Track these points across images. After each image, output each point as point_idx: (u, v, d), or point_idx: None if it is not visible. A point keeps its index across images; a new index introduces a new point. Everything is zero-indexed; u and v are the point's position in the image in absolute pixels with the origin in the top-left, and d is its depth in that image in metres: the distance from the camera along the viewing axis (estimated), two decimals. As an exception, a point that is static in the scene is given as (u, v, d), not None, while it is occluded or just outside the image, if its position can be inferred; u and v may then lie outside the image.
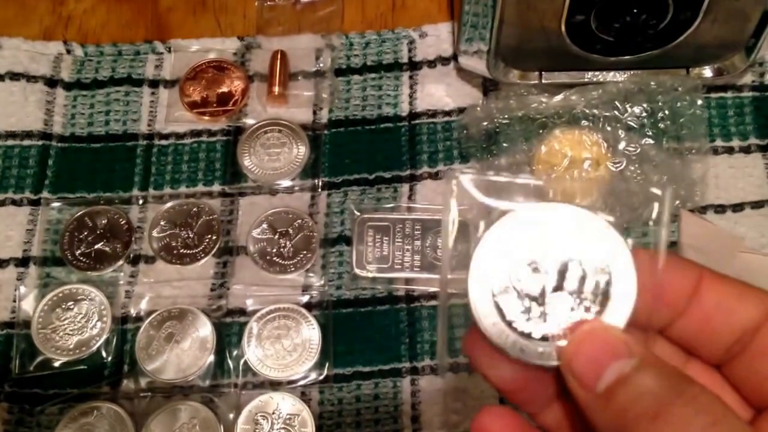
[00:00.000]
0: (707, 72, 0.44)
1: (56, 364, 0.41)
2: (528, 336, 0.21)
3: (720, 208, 0.43)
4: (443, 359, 0.23)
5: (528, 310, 0.21)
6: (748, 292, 0.21)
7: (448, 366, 0.23)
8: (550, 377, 0.21)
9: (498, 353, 0.21)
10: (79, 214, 0.44)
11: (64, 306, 0.42)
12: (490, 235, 0.21)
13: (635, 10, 0.38)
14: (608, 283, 0.21)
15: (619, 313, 0.20)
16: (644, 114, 0.41)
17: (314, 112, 0.47)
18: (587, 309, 0.21)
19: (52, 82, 0.48)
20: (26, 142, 0.46)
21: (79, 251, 0.43)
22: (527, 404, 0.22)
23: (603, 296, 0.21)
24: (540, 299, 0.21)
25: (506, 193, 0.22)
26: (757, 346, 0.20)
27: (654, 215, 0.21)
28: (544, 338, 0.21)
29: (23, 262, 0.43)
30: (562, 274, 0.21)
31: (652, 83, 0.41)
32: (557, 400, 0.22)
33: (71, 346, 0.41)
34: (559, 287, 0.21)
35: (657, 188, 0.22)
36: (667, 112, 0.41)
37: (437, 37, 0.48)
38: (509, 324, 0.21)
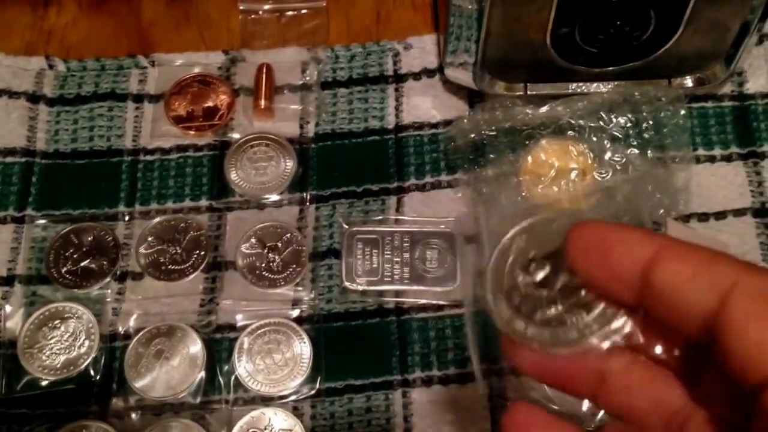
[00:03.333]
0: (688, 82, 0.45)
1: (44, 383, 0.41)
2: (550, 322, 0.22)
3: (703, 216, 0.44)
4: (477, 368, 0.25)
5: (540, 302, 0.22)
6: (703, 269, 0.19)
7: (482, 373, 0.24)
8: (596, 357, 0.21)
9: (536, 350, 0.21)
10: (64, 231, 0.44)
11: (50, 325, 0.41)
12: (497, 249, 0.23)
13: (618, 23, 0.39)
14: None
15: None
16: (629, 124, 0.42)
17: (301, 126, 0.47)
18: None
19: (34, 98, 0.47)
20: (9, 159, 0.46)
21: (65, 269, 0.43)
22: (580, 390, 0.22)
23: None
24: (546, 289, 0.22)
25: None
26: (719, 329, 0.19)
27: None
28: (563, 322, 0.21)
29: (8, 280, 0.43)
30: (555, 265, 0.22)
31: (636, 94, 0.42)
32: (606, 379, 0.22)
33: (59, 365, 0.41)
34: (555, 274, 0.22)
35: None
36: (651, 122, 0.42)
37: (422, 49, 0.49)
38: (529, 318, 0.22)
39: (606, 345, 0.21)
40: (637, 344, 0.21)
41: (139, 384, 0.40)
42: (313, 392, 0.41)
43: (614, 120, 0.42)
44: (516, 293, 0.22)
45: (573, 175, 0.42)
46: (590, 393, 0.22)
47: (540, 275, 0.22)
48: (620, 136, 0.42)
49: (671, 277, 0.19)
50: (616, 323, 0.21)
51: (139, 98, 0.48)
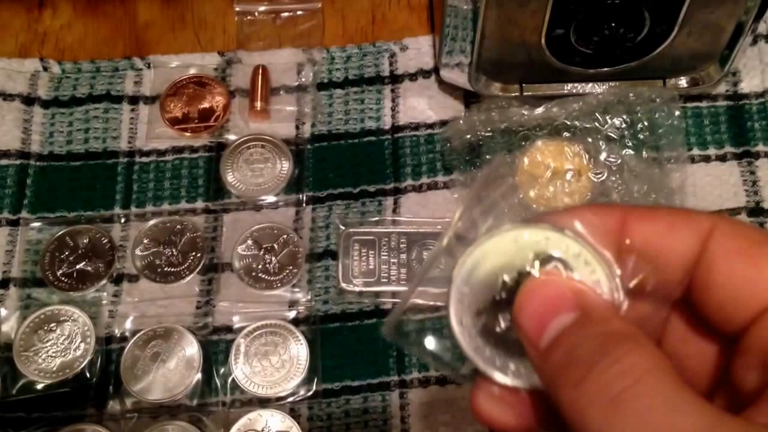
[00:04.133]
0: (683, 82, 0.45)
1: (39, 386, 0.40)
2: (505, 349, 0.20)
3: (698, 216, 0.44)
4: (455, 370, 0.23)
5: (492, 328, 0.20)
6: (679, 220, 0.19)
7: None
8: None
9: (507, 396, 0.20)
10: (59, 233, 0.43)
11: (46, 327, 0.41)
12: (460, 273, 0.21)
13: (613, 24, 0.39)
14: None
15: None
16: (624, 125, 0.42)
17: (297, 127, 0.47)
18: None
19: (29, 100, 0.47)
20: (4, 162, 0.45)
21: (60, 271, 0.43)
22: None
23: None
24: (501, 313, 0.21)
25: None
26: (701, 275, 0.19)
27: None
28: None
29: (3, 283, 0.43)
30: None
31: (631, 95, 0.42)
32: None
33: (54, 368, 0.41)
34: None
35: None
36: (645, 122, 0.42)
37: (418, 51, 0.49)
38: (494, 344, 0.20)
39: None
40: None
41: (135, 386, 0.40)
42: (310, 394, 0.41)
43: (609, 121, 0.42)
44: (485, 319, 0.21)
45: (568, 175, 0.42)
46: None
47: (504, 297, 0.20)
48: (615, 136, 0.42)
49: (649, 235, 0.19)
50: None
51: (134, 100, 0.47)
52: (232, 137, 0.46)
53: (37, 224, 0.44)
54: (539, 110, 0.42)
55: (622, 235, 0.20)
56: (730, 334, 0.19)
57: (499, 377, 0.20)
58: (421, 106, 0.47)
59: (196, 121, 0.47)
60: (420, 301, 0.40)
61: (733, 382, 0.19)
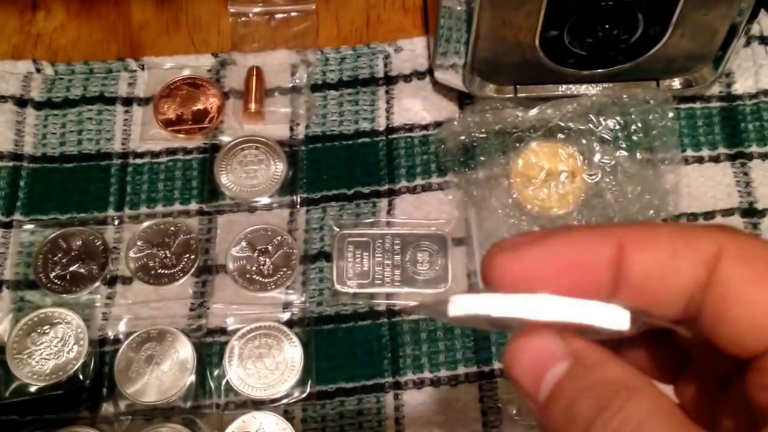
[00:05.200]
0: (676, 84, 0.45)
1: (33, 389, 0.40)
2: None
3: (692, 217, 0.44)
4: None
5: None
6: (681, 246, 0.18)
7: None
8: None
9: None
10: (52, 236, 0.43)
11: (39, 330, 0.41)
12: None
13: (607, 26, 0.39)
14: None
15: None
16: (618, 126, 0.42)
17: (291, 128, 0.47)
18: None
19: (22, 102, 0.47)
20: (-3, 163, 0.45)
21: (53, 274, 0.43)
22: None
23: None
24: None
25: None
26: (710, 307, 0.18)
27: None
28: None
29: (-4, 286, 0.43)
30: None
31: (625, 96, 0.42)
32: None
33: (48, 371, 0.40)
34: None
35: None
36: (639, 124, 0.42)
37: (412, 52, 0.49)
38: None
39: None
40: None
41: (129, 389, 0.40)
42: (304, 395, 0.40)
43: (603, 122, 0.42)
44: None
45: (563, 177, 0.42)
46: None
47: None
48: (609, 138, 0.42)
49: (649, 265, 0.18)
50: None
51: (128, 101, 0.47)
52: (226, 139, 0.46)
53: (29, 226, 0.44)
54: (533, 112, 0.43)
55: (619, 264, 0.19)
56: (745, 359, 0.18)
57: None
58: (416, 107, 0.47)
59: (190, 122, 0.46)
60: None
61: (748, 400, 0.18)
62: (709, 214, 0.44)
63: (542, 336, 0.18)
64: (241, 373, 0.41)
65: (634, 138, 0.42)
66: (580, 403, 0.17)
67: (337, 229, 0.44)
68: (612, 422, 0.17)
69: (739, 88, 0.47)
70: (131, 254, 0.43)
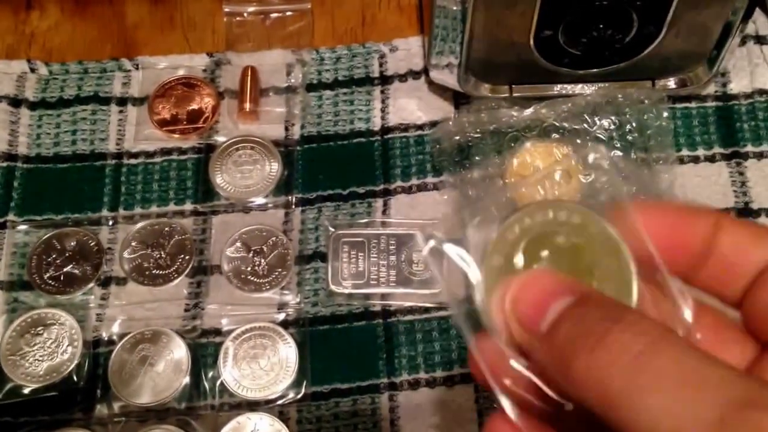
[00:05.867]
0: (672, 83, 0.45)
1: (26, 391, 0.40)
2: None
3: (688, 217, 0.44)
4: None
5: None
6: (763, 234, 0.21)
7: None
8: None
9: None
10: (46, 236, 0.43)
11: (33, 331, 0.41)
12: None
13: (601, 26, 0.39)
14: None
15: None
16: (612, 126, 0.42)
17: (286, 128, 0.47)
18: None
19: (16, 102, 0.47)
20: (-10, 164, 0.45)
21: (47, 275, 0.42)
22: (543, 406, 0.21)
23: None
24: None
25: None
26: (764, 280, 0.20)
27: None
28: None
29: (-10, 287, 0.42)
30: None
31: (620, 96, 0.42)
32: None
33: (42, 372, 0.40)
34: None
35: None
36: (634, 124, 0.42)
37: (408, 51, 0.48)
38: None
39: None
40: None
41: (123, 390, 0.40)
42: (299, 396, 0.40)
43: (598, 122, 0.42)
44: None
45: (557, 177, 0.42)
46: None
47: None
48: (604, 138, 0.42)
49: (738, 240, 0.21)
50: None
51: (122, 101, 0.47)
52: (221, 139, 0.46)
53: (23, 227, 0.44)
54: (528, 111, 0.42)
55: (712, 241, 0.21)
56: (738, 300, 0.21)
57: None
58: (411, 107, 0.47)
59: (185, 122, 0.46)
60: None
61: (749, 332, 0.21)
62: (704, 214, 0.44)
63: (548, 273, 0.20)
64: (236, 374, 0.41)
65: (629, 138, 0.42)
66: (588, 321, 0.18)
67: (333, 230, 0.43)
68: (628, 331, 0.17)
69: (734, 87, 0.47)
70: (125, 255, 0.43)
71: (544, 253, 0.21)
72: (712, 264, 0.21)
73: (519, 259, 0.21)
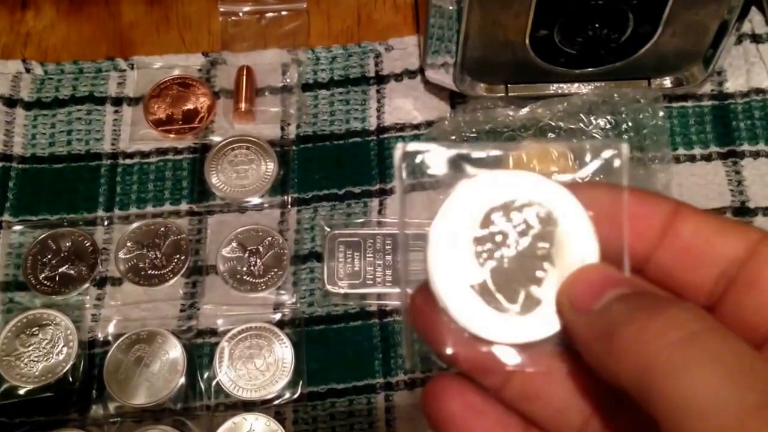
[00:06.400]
0: (668, 83, 0.45)
1: (22, 391, 0.40)
2: (496, 310, 0.20)
3: (684, 216, 0.44)
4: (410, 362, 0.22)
5: (489, 288, 0.20)
6: (729, 226, 0.20)
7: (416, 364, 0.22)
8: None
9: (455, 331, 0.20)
10: (42, 237, 0.43)
11: (28, 332, 0.41)
12: (445, 211, 0.21)
13: (597, 25, 0.39)
14: (554, 228, 0.20)
15: (584, 255, 0.20)
16: (608, 126, 0.42)
17: (282, 128, 0.46)
18: (542, 263, 0.20)
19: (11, 102, 0.47)
20: (-15, 164, 0.45)
21: (42, 275, 0.42)
22: (490, 380, 0.21)
23: (554, 244, 0.20)
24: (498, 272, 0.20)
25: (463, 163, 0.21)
26: (744, 278, 0.20)
27: (615, 165, 0.22)
28: (507, 311, 0.20)
29: (-15, 287, 0.42)
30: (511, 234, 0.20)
31: (615, 95, 0.42)
32: (520, 371, 0.21)
33: (37, 373, 0.40)
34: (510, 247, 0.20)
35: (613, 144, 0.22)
36: (630, 123, 0.42)
37: (403, 51, 0.48)
38: (473, 301, 0.20)
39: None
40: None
41: (118, 391, 0.40)
42: (295, 397, 0.40)
43: (594, 122, 0.42)
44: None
45: (553, 176, 0.42)
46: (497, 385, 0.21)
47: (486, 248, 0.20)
48: (600, 137, 0.42)
49: (701, 229, 0.20)
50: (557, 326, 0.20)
51: (118, 101, 0.47)
52: (216, 139, 0.46)
53: (19, 227, 0.44)
54: (524, 111, 0.42)
55: (670, 224, 0.20)
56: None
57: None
58: (407, 106, 0.47)
59: (180, 122, 0.46)
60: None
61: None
62: (700, 213, 0.44)
63: (611, 267, 0.20)
64: (232, 374, 0.40)
65: (625, 137, 0.42)
66: (643, 301, 0.18)
67: (328, 229, 0.43)
68: (684, 313, 0.17)
69: (730, 86, 0.47)
70: (121, 255, 0.43)
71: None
72: (668, 253, 0.20)
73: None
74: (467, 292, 0.20)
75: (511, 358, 0.20)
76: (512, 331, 0.20)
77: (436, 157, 0.21)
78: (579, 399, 0.21)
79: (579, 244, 0.20)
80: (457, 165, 0.21)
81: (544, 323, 0.20)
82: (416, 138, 0.46)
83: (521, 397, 0.21)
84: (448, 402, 0.21)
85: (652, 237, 0.20)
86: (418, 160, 0.21)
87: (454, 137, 0.43)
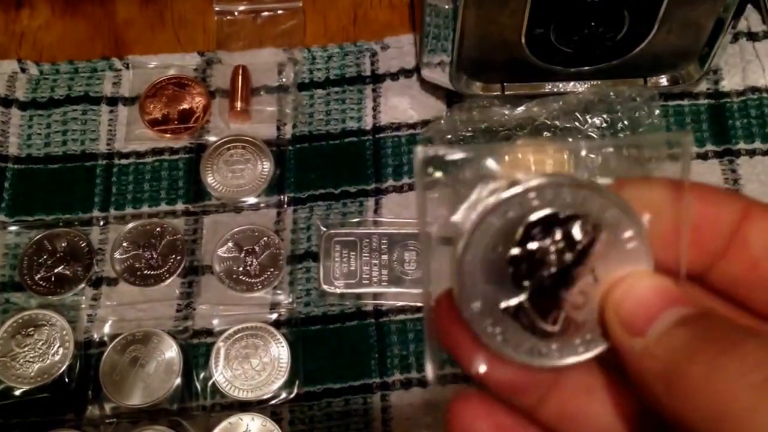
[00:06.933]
0: (663, 81, 0.45)
1: (17, 392, 0.40)
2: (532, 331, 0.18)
3: (680, 214, 0.44)
4: (433, 372, 0.20)
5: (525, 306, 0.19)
6: None
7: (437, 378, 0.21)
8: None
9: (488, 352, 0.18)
10: (37, 237, 0.43)
11: (24, 332, 0.41)
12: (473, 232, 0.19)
13: (593, 23, 0.39)
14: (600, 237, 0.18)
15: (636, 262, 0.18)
16: (604, 124, 0.42)
17: (278, 128, 0.46)
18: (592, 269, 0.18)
19: (6, 102, 0.47)
20: (-20, 165, 0.45)
21: (38, 275, 0.42)
22: (524, 399, 0.19)
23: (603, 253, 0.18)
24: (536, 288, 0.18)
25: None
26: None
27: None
28: (545, 334, 0.18)
29: (-20, 288, 0.42)
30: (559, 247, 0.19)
31: (611, 94, 0.42)
32: (557, 390, 0.19)
33: (33, 374, 0.40)
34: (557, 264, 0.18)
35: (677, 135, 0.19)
36: (626, 122, 0.42)
37: (399, 50, 0.48)
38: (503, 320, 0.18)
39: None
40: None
41: (114, 391, 0.40)
42: (291, 397, 0.40)
43: (590, 120, 0.42)
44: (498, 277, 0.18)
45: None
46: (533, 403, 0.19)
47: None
48: (596, 136, 0.42)
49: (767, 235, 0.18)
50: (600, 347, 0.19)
51: (113, 101, 0.47)
52: (212, 138, 0.46)
53: (14, 228, 0.43)
54: (520, 110, 0.42)
55: (738, 229, 0.18)
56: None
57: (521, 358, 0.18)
58: (403, 105, 0.47)
59: (176, 122, 0.46)
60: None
61: None
62: (697, 212, 0.44)
63: (661, 278, 0.17)
64: (228, 374, 0.40)
65: (621, 136, 0.42)
66: (713, 329, 0.16)
67: (324, 229, 0.43)
68: (762, 351, 0.15)
69: (726, 84, 0.47)
70: (117, 255, 0.43)
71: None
72: (734, 268, 0.18)
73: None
74: (501, 317, 0.19)
75: (549, 378, 0.19)
76: (552, 354, 0.19)
77: (456, 160, 0.19)
78: (621, 420, 0.19)
79: (629, 257, 0.18)
80: (481, 168, 0.20)
81: (587, 344, 0.18)
82: (413, 137, 0.46)
83: (559, 417, 0.19)
84: (476, 423, 0.19)
85: (717, 246, 0.18)
86: (438, 163, 0.20)
87: (450, 136, 0.43)
